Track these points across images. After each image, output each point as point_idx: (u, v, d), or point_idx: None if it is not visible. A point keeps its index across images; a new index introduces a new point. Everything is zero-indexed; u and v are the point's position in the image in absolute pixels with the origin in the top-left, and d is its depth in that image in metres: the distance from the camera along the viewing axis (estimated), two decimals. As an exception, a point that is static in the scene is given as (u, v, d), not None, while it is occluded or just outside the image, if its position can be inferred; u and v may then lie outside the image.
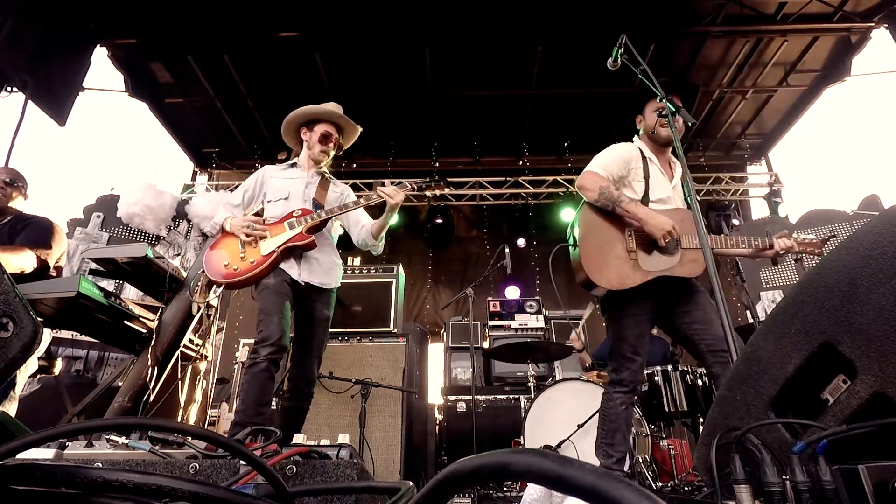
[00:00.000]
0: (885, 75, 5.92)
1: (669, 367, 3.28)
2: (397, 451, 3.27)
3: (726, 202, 7.25)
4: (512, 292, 6.52)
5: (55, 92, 4.77)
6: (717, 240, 2.22)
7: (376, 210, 2.56)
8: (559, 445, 3.01)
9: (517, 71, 6.05)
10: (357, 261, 5.13)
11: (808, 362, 0.96)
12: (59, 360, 3.12)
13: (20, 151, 4.43)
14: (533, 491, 2.05)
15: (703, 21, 5.41)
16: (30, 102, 4.49)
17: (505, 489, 3.01)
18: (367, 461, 3.09)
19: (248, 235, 2.43)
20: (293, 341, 2.52)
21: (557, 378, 3.86)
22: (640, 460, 3.03)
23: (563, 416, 3.07)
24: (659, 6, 5.23)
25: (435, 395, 4.76)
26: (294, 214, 2.49)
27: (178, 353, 2.86)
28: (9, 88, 4.40)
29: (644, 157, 2.34)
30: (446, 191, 2.74)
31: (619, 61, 2.26)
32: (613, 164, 2.28)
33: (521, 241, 7.26)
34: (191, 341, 3.06)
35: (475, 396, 4.04)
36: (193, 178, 7.76)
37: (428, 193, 2.72)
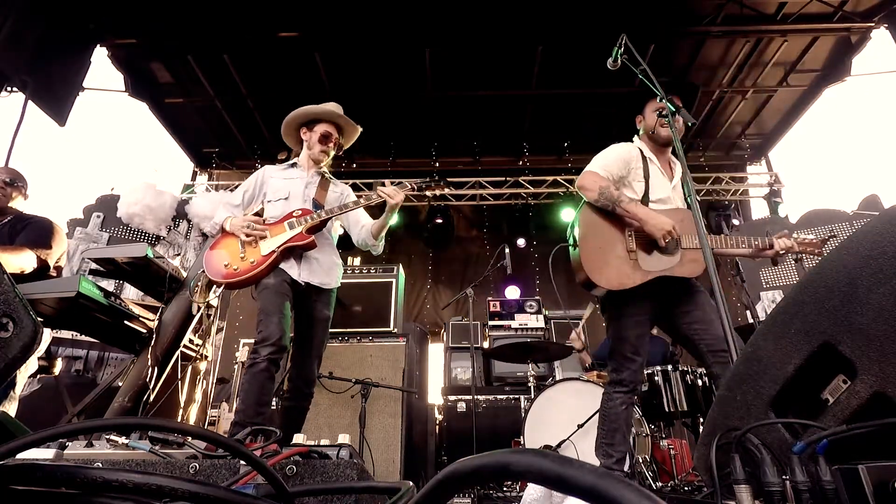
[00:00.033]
0: (885, 75, 5.93)
1: (669, 367, 3.28)
2: (397, 451, 3.27)
3: (726, 202, 7.25)
4: (512, 292, 6.52)
5: (55, 92, 4.78)
6: (716, 240, 2.23)
7: (376, 210, 2.56)
8: (559, 445, 3.01)
9: (517, 71, 6.05)
10: (357, 261, 5.13)
11: (808, 362, 0.96)
12: (59, 360, 3.12)
13: (20, 151, 4.44)
14: (533, 491, 2.05)
15: (703, 21, 5.41)
16: (30, 102, 4.49)
17: (505, 489, 3.01)
18: (367, 461, 3.09)
19: (247, 235, 2.43)
20: (293, 341, 2.52)
21: (557, 378, 3.86)
22: (640, 460, 3.03)
23: (563, 416, 3.07)
24: (659, 6, 5.23)
25: (435, 395, 4.76)
26: (294, 214, 2.49)
27: (178, 353, 2.86)
28: (9, 88, 4.40)
29: (644, 157, 2.34)
30: (446, 191, 2.74)
31: (619, 61, 2.26)
32: (613, 164, 2.28)
33: (521, 241, 7.26)
34: (191, 341, 3.06)
35: (475, 396, 4.04)
36: (193, 178, 7.76)
37: (428, 193, 2.71)
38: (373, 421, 3.29)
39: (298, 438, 1.31)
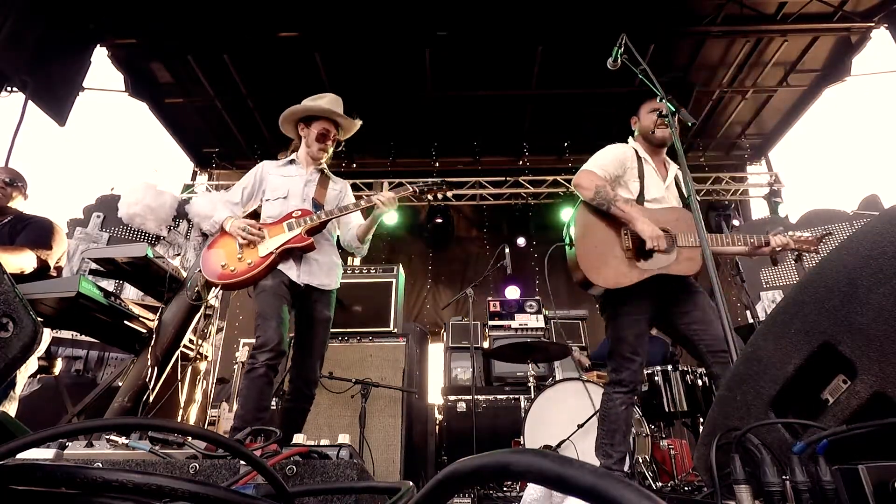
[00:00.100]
0: (885, 75, 5.93)
1: (669, 367, 3.29)
2: (397, 451, 3.27)
3: (726, 202, 7.25)
4: (512, 292, 6.52)
5: (55, 92, 4.78)
6: (713, 238, 2.23)
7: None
8: (559, 445, 3.01)
9: (517, 71, 6.05)
10: (357, 261, 5.12)
11: (808, 362, 0.96)
12: (59, 360, 3.12)
13: (20, 151, 4.44)
14: (533, 491, 2.05)
15: (703, 21, 5.41)
16: (30, 102, 4.49)
17: (505, 489, 3.01)
18: (367, 461, 3.09)
19: (244, 239, 2.40)
20: (293, 342, 2.51)
21: (557, 378, 3.86)
22: (640, 460, 3.03)
23: (563, 416, 3.07)
24: (659, 6, 5.23)
25: (435, 395, 4.76)
26: (293, 215, 2.46)
27: (178, 353, 2.86)
28: (9, 88, 4.40)
29: (639, 158, 2.35)
30: (449, 194, 2.71)
31: (619, 61, 2.26)
32: (610, 163, 2.29)
33: (521, 241, 7.26)
34: (191, 341, 3.06)
35: (475, 396, 4.04)
36: (193, 178, 7.76)
37: (430, 197, 2.68)
38: (373, 421, 3.29)
39: (298, 438, 1.31)
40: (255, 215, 2.61)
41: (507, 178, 7.22)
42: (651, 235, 2.08)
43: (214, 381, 4.26)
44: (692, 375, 3.22)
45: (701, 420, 3.17)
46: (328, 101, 2.65)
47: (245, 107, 6.62)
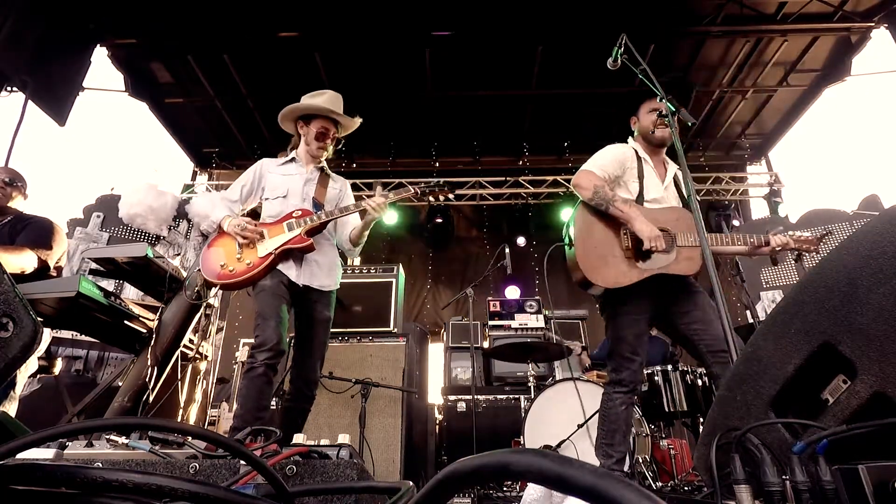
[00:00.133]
0: (885, 75, 5.93)
1: (669, 367, 3.29)
2: (397, 451, 3.27)
3: (726, 202, 7.25)
4: (512, 292, 6.52)
5: (55, 92, 4.78)
6: (713, 238, 2.23)
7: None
8: (559, 445, 3.01)
9: (517, 71, 6.05)
10: (357, 261, 5.12)
11: (808, 362, 0.96)
12: (59, 360, 3.12)
13: (20, 151, 4.44)
14: (533, 491, 2.05)
15: (703, 21, 5.41)
16: (30, 102, 4.49)
17: (505, 489, 3.01)
18: (367, 461, 3.09)
19: (243, 239, 2.38)
20: (294, 342, 2.50)
21: (557, 378, 3.86)
22: (640, 460, 3.03)
23: (563, 416, 3.07)
24: (659, 6, 5.23)
25: (435, 395, 4.76)
26: (294, 215, 2.44)
27: (178, 353, 2.86)
28: (9, 88, 4.40)
29: (639, 158, 2.35)
30: (451, 196, 2.65)
31: (619, 61, 2.26)
32: (609, 163, 2.29)
33: (521, 241, 7.26)
34: (191, 341, 3.06)
35: (475, 396, 4.04)
36: (193, 178, 7.77)
37: (431, 199, 2.61)
38: (373, 421, 3.29)
39: (298, 438, 1.31)
40: (255, 214, 2.60)
41: (507, 178, 7.22)
42: (649, 235, 2.08)
43: (214, 381, 4.26)
44: (692, 375, 3.22)
45: (701, 420, 3.17)
46: (327, 99, 2.60)
47: (245, 107, 6.62)
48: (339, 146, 2.72)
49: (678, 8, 5.32)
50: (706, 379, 3.17)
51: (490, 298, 5.48)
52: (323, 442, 1.33)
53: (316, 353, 2.45)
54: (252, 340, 2.26)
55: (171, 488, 0.49)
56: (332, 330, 2.57)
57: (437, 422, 4.51)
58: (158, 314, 2.86)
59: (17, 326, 0.59)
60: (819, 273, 0.98)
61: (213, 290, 2.99)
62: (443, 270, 7.56)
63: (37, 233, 2.62)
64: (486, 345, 5.08)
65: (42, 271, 2.57)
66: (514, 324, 5.19)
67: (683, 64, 5.96)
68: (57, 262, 2.68)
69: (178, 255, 6.48)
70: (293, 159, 2.65)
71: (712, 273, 1.68)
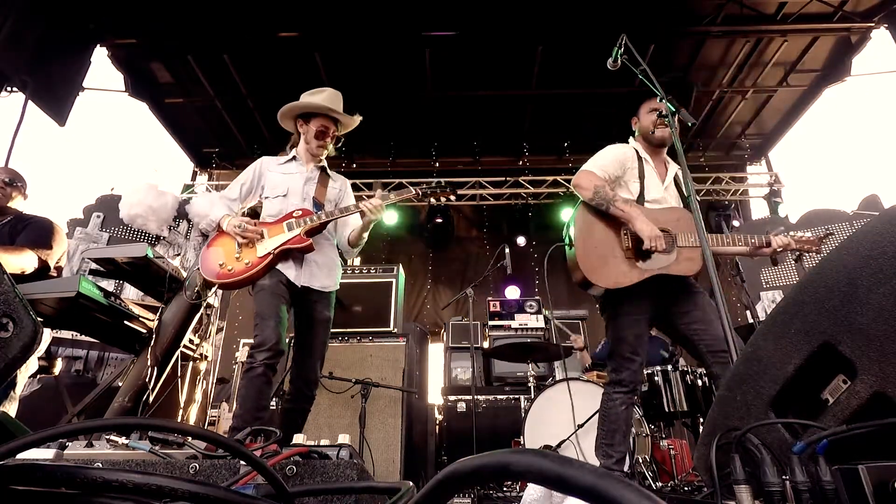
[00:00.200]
0: (885, 75, 5.93)
1: (669, 367, 3.28)
2: (397, 451, 3.27)
3: (726, 202, 7.25)
4: (512, 292, 6.52)
5: (55, 92, 4.78)
6: (714, 238, 2.23)
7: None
8: (559, 445, 3.01)
9: (517, 71, 6.05)
10: (357, 261, 5.12)
11: (808, 362, 0.96)
12: (59, 360, 3.12)
13: (20, 151, 4.44)
14: (533, 491, 2.05)
15: (703, 21, 5.42)
16: (30, 102, 4.49)
17: (505, 489, 3.01)
18: (367, 461, 3.09)
19: (242, 238, 2.37)
20: (294, 342, 2.50)
21: (557, 378, 3.86)
22: (640, 460, 3.03)
23: (563, 416, 3.07)
24: (659, 6, 5.24)
25: (435, 395, 4.76)
26: (294, 215, 2.43)
27: (178, 353, 2.86)
28: (9, 88, 4.40)
29: (640, 158, 2.35)
30: (452, 197, 2.62)
31: (619, 61, 2.26)
32: (610, 164, 2.29)
33: (521, 241, 7.26)
34: (191, 341, 3.06)
35: (475, 396, 4.04)
36: (193, 178, 7.77)
37: (433, 200, 2.60)
38: (373, 421, 3.29)
39: (298, 438, 1.31)
40: (254, 213, 2.59)
41: (507, 178, 7.22)
42: (650, 235, 2.08)
43: (214, 381, 4.26)
44: (692, 375, 3.22)
45: (701, 420, 3.17)
46: (326, 97, 2.58)
47: (245, 107, 6.62)
48: (339, 144, 2.70)
49: (678, 8, 5.32)
50: (706, 379, 3.17)
51: (490, 298, 5.49)
52: (323, 442, 1.33)
53: (316, 354, 2.44)
54: (252, 340, 2.26)
55: (171, 488, 0.49)
56: (332, 330, 2.56)
57: (437, 422, 4.51)
58: (158, 314, 2.86)
59: (17, 327, 0.59)
60: (819, 273, 0.98)
61: (213, 290, 2.99)
62: (443, 270, 7.56)
63: (37, 233, 2.62)
64: (486, 345, 5.08)
65: (42, 271, 2.57)
66: (514, 324, 5.19)
67: (683, 64, 5.96)
68: (57, 263, 2.68)
69: (178, 255, 6.48)
70: (294, 158, 2.63)
71: (712, 273, 1.68)
